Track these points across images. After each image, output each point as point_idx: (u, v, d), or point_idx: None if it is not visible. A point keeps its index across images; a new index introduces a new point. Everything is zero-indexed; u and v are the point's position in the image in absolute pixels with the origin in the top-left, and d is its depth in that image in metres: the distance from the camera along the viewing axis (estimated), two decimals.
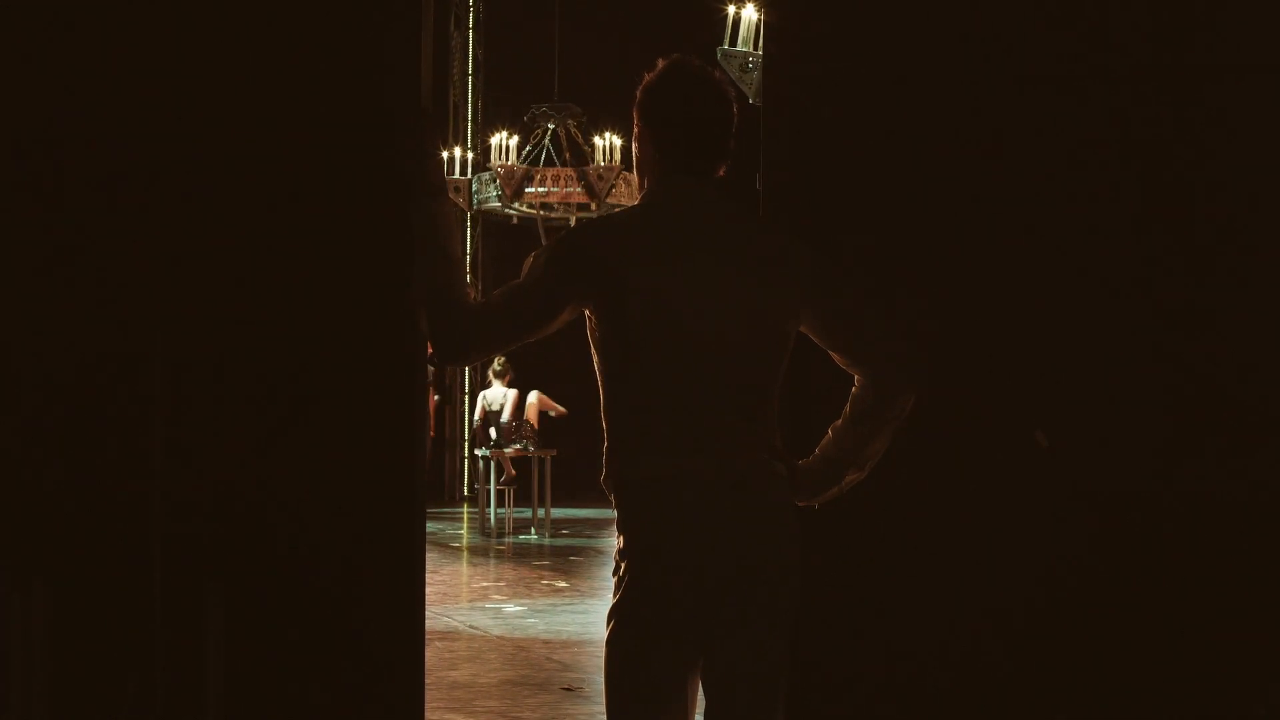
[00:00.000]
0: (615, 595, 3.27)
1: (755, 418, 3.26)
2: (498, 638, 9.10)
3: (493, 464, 15.98)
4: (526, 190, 16.93)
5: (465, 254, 19.24)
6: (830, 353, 3.39)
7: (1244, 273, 4.44)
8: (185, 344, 4.21)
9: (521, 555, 14.02)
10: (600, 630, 3.33)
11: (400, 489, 4.28)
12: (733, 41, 10.36)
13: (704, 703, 3.31)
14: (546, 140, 17.67)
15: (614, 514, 3.31)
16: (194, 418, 4.21)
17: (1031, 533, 4.44)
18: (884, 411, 3.36)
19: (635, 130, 3.35)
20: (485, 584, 11.87)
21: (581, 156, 17.38)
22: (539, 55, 18.70)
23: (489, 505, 15.80)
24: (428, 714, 4.55)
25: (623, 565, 3.25)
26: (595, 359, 3.31)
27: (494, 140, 17.09)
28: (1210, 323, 4.43)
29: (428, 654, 4.50)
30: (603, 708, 3.34)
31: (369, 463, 4.26)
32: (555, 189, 17.00)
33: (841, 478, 3.41)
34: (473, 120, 20.44)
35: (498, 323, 3.31)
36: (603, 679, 3.29)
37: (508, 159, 16.74)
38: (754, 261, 3.26)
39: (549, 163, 17.53)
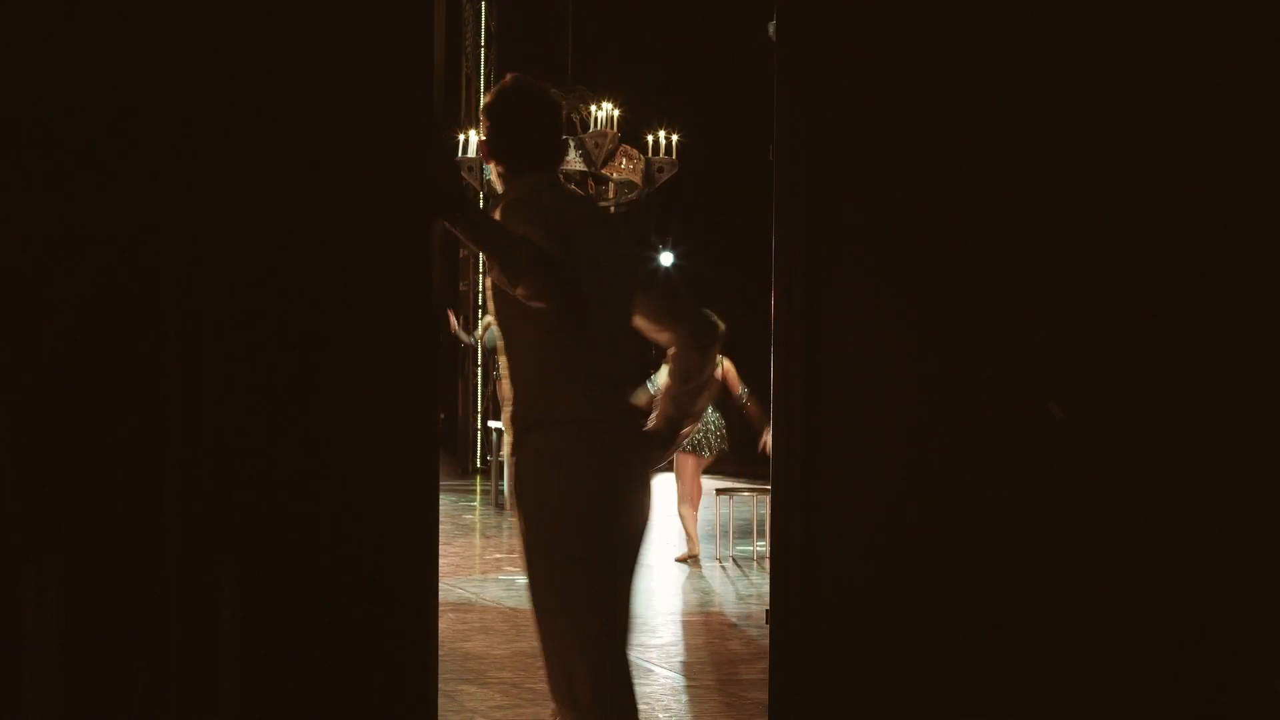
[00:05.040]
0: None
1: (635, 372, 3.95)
2: (510, 609, 9.13)
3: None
4: None
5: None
6: (639, 318, 3.90)
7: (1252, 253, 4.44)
8: (200, 322, 4.22)
9: None
10: None
11: (413, 462, 4.30)
12: None
13: None
14: None
15: None
16: (209, 396, 4.22)
17: (1037, 512, 4.45)
18: (700, 367, 3.89)
19: (483, 137, 3.88)
20: (498, 556, 11.90)
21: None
22: (550, 26, 18.64)
23: (501, 478, 15.85)
24: (441, 685, 4.57)
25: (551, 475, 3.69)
26: (520, 316, 3.67)
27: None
28: (1221, 295, 4.44)
29: (441, 625, 4.52)
30: None
31: (382, 436, 4.28)
32: None
33: (680, 431, 3.94)
34: (484, 94, 20.41)
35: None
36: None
37: None
38: (616, 241, 3.89)
39: None
